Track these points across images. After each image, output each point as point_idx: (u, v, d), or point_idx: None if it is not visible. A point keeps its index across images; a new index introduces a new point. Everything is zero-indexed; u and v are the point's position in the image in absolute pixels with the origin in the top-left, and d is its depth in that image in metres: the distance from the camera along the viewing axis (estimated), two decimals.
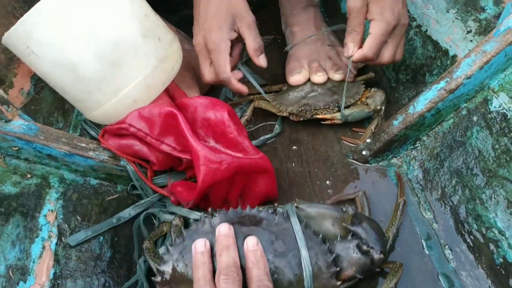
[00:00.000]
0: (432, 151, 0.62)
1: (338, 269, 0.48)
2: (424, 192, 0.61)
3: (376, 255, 0.48)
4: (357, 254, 0.48)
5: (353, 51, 0.63)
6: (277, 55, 0.85)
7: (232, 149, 0.61)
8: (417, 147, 0.65)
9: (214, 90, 0.79)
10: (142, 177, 0.61)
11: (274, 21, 0.91)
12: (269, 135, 0.73)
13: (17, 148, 0.55)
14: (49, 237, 0.52)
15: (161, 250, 0.55)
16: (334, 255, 0.48)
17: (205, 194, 0.59)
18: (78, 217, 0.57)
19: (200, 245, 0.47)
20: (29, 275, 0.48)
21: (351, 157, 0.68)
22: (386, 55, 0.63)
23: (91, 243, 0.56)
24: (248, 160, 0.59)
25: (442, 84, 0.59)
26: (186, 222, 0.58)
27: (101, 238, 0.57)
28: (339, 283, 0.47)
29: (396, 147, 0.65)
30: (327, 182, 0.65)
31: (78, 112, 0.71)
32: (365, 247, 0.48)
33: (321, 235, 0.49)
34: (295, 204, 0.52)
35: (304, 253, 0.47)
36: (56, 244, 0.52)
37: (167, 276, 0.48)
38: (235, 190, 0.61)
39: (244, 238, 0.47)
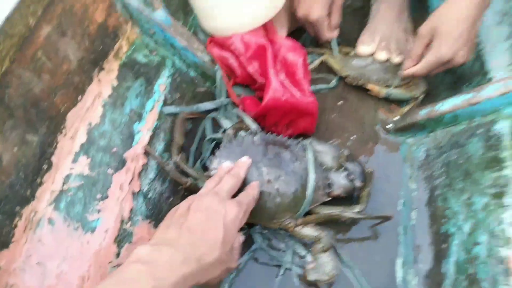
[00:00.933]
0: (439, 143, 0.81)
1: (330, 190, 0.71)
2: (420, 170, 0.81)
3: (358, 184, 0.72)
4: (345, 181, 0.72)
5: (407, 66, 0.80)
6: (357, 21, 1.00)
7: (296, 86, 0.81)
8: (429, 136, 0.83)
9: (297, 33, 0.96)
10: (226, 81, 0.83)
11: None
12: (325, 86, 0.92)
13: (153, 31, 0.78)
14: (158, 100, 0.76)
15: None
16: (330, 180, 0.72)
17: (264, 114, 0.80)
18: (178, 94, 0.80)
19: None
20: (142, 119, 0.73)
21: (379, 125, 0.87)
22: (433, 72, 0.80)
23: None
24: (302, 102, 0.79)
25: (469, 95, 0.75)
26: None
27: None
28: (329, 198, 0.71)
29: (414, 130, 0.84)
30: (354, 136, 0.85)
31: (195, 16, 0.92)
32: (351, 176, 0.72)
33: (324, 166, 0.73)
34: (311, 141, 0.76)
35: (311, 174, 0.70)
36: (161, 106, 0.76)
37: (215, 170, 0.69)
38: (285, 119, 0.82)
39: (274, 155, 0.69)
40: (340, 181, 0.72)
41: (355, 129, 0.86)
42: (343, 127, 0.87)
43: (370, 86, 0.89)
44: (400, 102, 0.90)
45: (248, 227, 0.73)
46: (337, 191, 0.72)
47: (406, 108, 0.87)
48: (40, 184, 0.56)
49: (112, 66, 0.71)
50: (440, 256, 0.68)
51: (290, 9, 0.91)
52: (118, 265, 0.60)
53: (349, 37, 0.97)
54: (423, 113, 0.81)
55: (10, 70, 0.51)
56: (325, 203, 0.71)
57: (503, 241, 0.61)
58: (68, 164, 0.60)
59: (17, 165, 0.52)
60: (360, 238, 0.73)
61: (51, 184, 0.57)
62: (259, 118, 0.82)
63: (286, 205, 0.68)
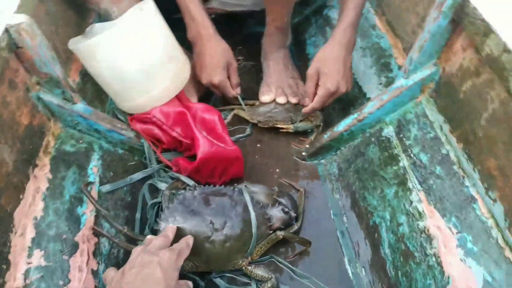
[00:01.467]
0: (346, 157, 0.96)
1: (271, 223, 0.81)
2: (338, 182, 0.94)
3: (292, 214, 0.83)
4: (281, 214, 0.82)
5: (307, 103, 0.99)
6: (254, 76, 1.17)
7: (218, 140, 0.92)
8: (337, 153, 0.98)
9: (206, 97, 1.09)
10: (155, 150, 0.90)
11: (257, 52, 1.23)
12: (242, 135, 1.04)
13: (76, 122, 0.84)
14: (94, 182, 0.81)
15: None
16: (268, 215, 0.81)
17: (198, 168, 0.89)
18: (111, 172, 0.85)
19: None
20: (83, 203, 0.76)
21: (295, 156, 1.00)
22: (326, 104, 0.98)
23: (118, 191, 0.84)
24: (227, 150, 0.90)
25: (355, 115, 0.93)
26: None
27: (125, 188, 0.86)
28: (270, 231, 0.80)
29: (324, 152, 0.99)
30: (277, 170, 0.97)
31: (110, 101, 0.99)
32: (286, 209, 0.82)
33: (261, 204, 0.82)
34: (245, 184, 0.85)
35: (252, 212, 0.78)
36: (98, 187, 0.81)
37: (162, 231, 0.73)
38: (218, 169, 0.91)
39: (216, 204, 0.76)
40: (277, 215, 0.82)
41: (276, 164, 0.98)
42: (266, 165, 0.98)
43: (280, 125, 1.03)
44: (306, 133, 1.05)
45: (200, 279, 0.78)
46: (276, 224, 0.81)
47: (312, 136, 1.02)
48: (3, 284, 0.56)
49: (43, 162, 0.75)
50: (376, 244, 0.80)
51: (194, 79, 1.04)
52: None
53: (250, 92, 1.12)
54: (326, 136, 0.97)
55: None
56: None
57: (418, 215, 0.74)
58: (25, 259, 0.61)
59: None
60: (308, 251, 0.82)
61: (13, 282, 0.58)
62: (194, 174, 0.90)
63: (237, 247, 0.75)
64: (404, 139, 0.86)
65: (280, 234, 0.79)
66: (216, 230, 0.73)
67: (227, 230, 0.74)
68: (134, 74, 0.84)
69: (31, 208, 0.68)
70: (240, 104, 1.06)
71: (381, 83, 1.00)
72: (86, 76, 0.97)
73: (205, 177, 0.91)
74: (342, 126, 0.95)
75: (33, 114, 0.77)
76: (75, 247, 0.69)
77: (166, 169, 0.92)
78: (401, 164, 0.84)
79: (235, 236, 0.74)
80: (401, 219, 0.78)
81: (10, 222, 0.62)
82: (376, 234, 0.81)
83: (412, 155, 0.83)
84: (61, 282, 0.63)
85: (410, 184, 0.80)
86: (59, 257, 0.66)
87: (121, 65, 0.82)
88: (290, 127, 1.03)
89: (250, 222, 0.77)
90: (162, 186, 0.88)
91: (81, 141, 0.85)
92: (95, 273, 0.68)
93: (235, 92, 1.04)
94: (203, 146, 0.86)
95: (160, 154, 0.91)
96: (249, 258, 0.77)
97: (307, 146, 1.00)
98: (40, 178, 0.72)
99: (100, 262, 0.70)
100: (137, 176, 0.89)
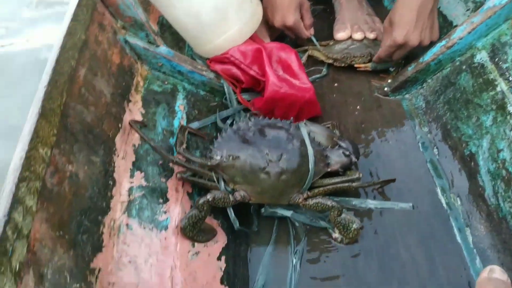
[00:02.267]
0: (433, 89, 0.90)
1: (328, 163, 0.74)
2: (425, 116, 0.89)
3: (354, 159, 0.76)
4: (341, 157, 0.76)
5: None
6: (325, 21, 1.13)
7: (294, 78, 0.91)
8: (423, 86, 0.93)
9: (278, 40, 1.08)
10: (234, 90, 0.92)
11: None
12: (318, 75, 1.02)
13: (161, 64, 0.87)
14: (182, 118, 0.84)
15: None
16: (327, 156, 0.75)
17: (269, 108, 0.89)
18: (196, 111, 0.88)
19: None
20: (173, 135, 0.80)
21: (376, 92, 0.97)
22: (394, 57, 0.93)
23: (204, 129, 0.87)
24: (300, 89, 0.88)
25: (443, 42, 0.87)
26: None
27: (209, 125, 0.88)
28: (328, 169, 0.74)
29: (408, 86, 0.94)
30: (358, 107, 0.94)
31: (188, 48, 1.02)
32: (347, 153, 0.76)
33: (319, 142, 0.76)
34: (304, 122, 0.80)
35: (309, 148, 0.73)
36: (186, 123, 0.84)
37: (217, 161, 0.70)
38: (292, 110, 0.90)
39: (272, 136, 0.72)
40: (337, 157, 0.76)
41: (357, 101, 0.95)
42: (345, 103, 0.96)
43: (357, 65, 0.99)
44: (387, 70, 1.00)
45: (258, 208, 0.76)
46: (335, 166, 0.75)
47: (394, 72, 0.97)
48: (111, 197, 0.61)
49: (136, 98, 0.80)
50: (472, 173, 0.75)
51: (267, 23, 1.03)
52: (197, 253, 0.64)
53: (322, 36, 1.09)
54: (411, 68, 0.91)
55: (66, 103, 0.58)
56: (323, 177, 0.75)
57: None
58: (127, 179, 0.66)
59: (90, 180, 0.58)
60: (396, 185, 0.79)
61: (120, 196, 0.62)
62: (268, 114, 0.90)
63: (292, 181, 0.71)
64: (501, 62, 0.79)
65: (355, 185, 0.74)
66: (272, 161, 0.69)
67: (283, 163, 0.70)
68: (210, 16, 0.85)
69: (129, 136, 0.72)
70: (315, 45, 1.04)
71: (468, 9, 0.92)
72: (164, 26, 1.00)
73: (280, 117, 0.90)
74: (428, 56, 0.89)
75: (122, 55, 0.81)
76: (170, 171, 0.72)
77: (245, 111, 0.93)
78: (498, 88, 0.77)
79: (291, 169, 0.70)
80: (501, 145, 0.72)
81: (112, 145, 0.67)
82: (472, 163, 0.76)
83: (511, 78, 0.76)
84: (160, 200, 0.67)
85: (510, 108, 0.73)
86: (157, 179, 0.69)
87: (197, 7, 0.84)
88: (368, 66, 0.99)
89: (307, 157, 0.72)
90: None
91: (166, 83, 0.88)
92: (190, 195, 0.72)
93: (309, 33, 1.02)
94: (272, 85, 0.86)
95: (239, 94, 0.92)
96: (304, 194, 0.72)
97: (390, 81, 0.96)
98: (135, 112, 0.77)
99: (193, 187, 0.74)
100: (221, 115, 0.90)
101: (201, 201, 0.66)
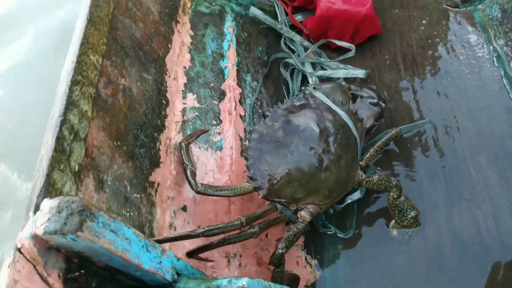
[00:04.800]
0: None
1: (362, 119, 0.64)
2: (500, 26, 0.79)
3: (383, 105, 0.67)
4: (370, 108, 0.66)
5: None
6: None
7: None
8: None
9: None
10: (285, 9, 0.86)
11: None
12: None
13: None
14: (231, 40, 0.80)
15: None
16: (356, 113, 0.64)
17: (322, 27, 0.82)
18: (245, 33, 0.84)
19: None
20: (225, 58, 0.77)
21: (445, 4, 0.86)
22: None
23: (255, 50, 0.83)
24: (356, 7, 0.80)
25: None
26: None
27: (260, 48, 0.84)
28: (366, 128, 0.65)
29: None
30: (423, 21, 0.85)
31: None
32: (375, 101, 0.66)
33: (340, 100, 0.65)
34: (312, 86, 0.68)
35: (341, 112, 0.62)
36: (236, 45, 0.80)
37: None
38: (347, 30, 0.83)
39: (302, 122, 0.59)
40: (366, 111, 0.66)
41: (422, 15, 0.86)
42: (409, 18, 0.87)
43: None
44: None
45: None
46: (369, 121, 0.65)
47: None
48: (165, 116, 0.60)
49: (184, 20, 0.77)
50: None
51: None
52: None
53: None
54: None
55: (114, 15, 0.56)
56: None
57: None
58: (180, 100, 0.65)
59: (144, 97, 0.57)
60: (467, 101, 0.72)
61: (173, 116, 0.62)
62: (321, 35, 0.84)
63: (350, 158, 0.61)
64: None
65: (395, 132, 0.65)
66: (323, 153, 0.57)
67: (332, 147, 0.58)
68: None
69: (179, 58, 0.70)
70: None
71: None
72: None
73: (335, 38, 0.83)
74: None
75: None
76: (222, 94, 0.70)
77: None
78: None
79: (343, 148, 0.59)
80: None
81: (163, 66, 0.65)
82: None
83: None
84: (213, 122, 0.66)
85: None
86: (210, 101, 0.68)
87: None
88: None
89: (346, 124, 0.62)
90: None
91: (213, 4, 0.84)
92: (242, 118, 0.70)
93: None
94: (323, 1, 0.78)
95: (290, 14, 0.86)
96: (363, 162, 0.63)
97: None
98: (183, 34, 0.74)
99: (246, 110, 0.71)
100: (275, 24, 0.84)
101: (276, 260, 0.52)
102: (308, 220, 0.55)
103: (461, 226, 0.61)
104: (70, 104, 0.41)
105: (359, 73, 0.78)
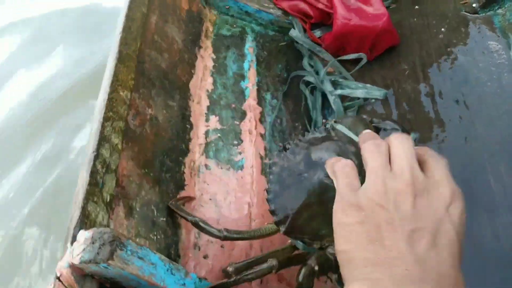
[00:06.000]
0: None
1: None
2: None
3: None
4: None
5: None
6: None
7: (366, 4, 0.84)
8: None
9: None
10: (303, 26, 0.88)
11: None
12: None
13: (228, 7, 0.87)
14: (252, 61, 0.84)
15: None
16: None
17: (340, 44, 0.84)
18: (265, 52, 0.88)
19: None
20: (245, 78, 0.81)
21: (463, 10, 0.86)
22: None
23: (274, 67, 0.86)
24: (373, 22, 0.81)
25: None
26: None
27: (279, 65, 0.87)
28: None
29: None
30: (442, 29, 0.85)
31: None
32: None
33: None
34: (334, 119, 0.60)
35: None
36: (256, 64, 0.84)
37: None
38: (366, 44, 0.85)
39: (323, 154, 0.53)
40: None
41: (441, 22, 0.86)
42: (428, 26, 0.87)
43: None
44: None
45: None
46: None
47: None
48: (190, 140, 0.65)
49: (206, 44, 0.81)
50: None
51: None
52: None
53: None
54: None
55: (141, 49, 0.62)
56: None
57: None
58: (203, 123, 0.69)
59: (169, 124, 0.62)
60: (487, 109, 0.72)
61: (197, 139, 0.66)
62: (339, 51, 0.86)
63: None
64: None
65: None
66: None
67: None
68: None
69: (203, 82, 0.75)
70: None
71: None
72: None
73: (353, 53, 0.85)
74: None
75: (191, 1, 0.82)
76: (243, 114, 0.74)
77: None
78: None
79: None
80: None
81: (187, 91, 0.70)
82: None
83: None
84: (235, 142, 0.70)
85: None
86: (231, 122, 0.72)
87: None
88: None
89: None
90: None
91: (234, 26, 0.88)
92: (263, 136, 0.74)
93: None
94: (340, 18, 0.80)
95: (309, 30, 0.89)
96: None
97: None
98: (206, 58, 0.79)
99: (266, 128, 0.75)
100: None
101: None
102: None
103: (480, 237, 0.62)
104: (102, 139, 0.46)
105: (378, 94, 0.80)
